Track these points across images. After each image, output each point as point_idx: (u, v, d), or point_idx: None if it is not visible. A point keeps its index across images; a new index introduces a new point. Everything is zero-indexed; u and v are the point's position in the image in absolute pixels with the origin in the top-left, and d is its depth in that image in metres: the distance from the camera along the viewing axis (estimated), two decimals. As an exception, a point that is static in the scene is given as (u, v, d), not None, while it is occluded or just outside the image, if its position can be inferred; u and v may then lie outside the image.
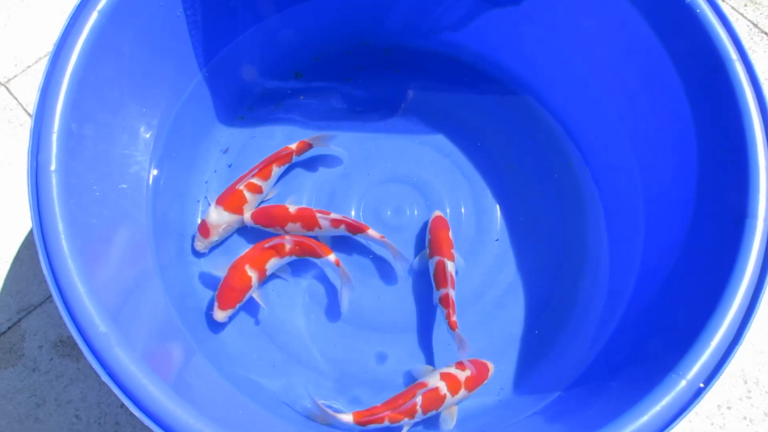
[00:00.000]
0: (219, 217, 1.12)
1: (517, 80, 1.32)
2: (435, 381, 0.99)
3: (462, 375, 1.01)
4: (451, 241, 1.14)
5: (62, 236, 0.76)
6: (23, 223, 1.29)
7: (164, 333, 0.92)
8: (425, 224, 1.21)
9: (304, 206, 1.16)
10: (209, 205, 1.15)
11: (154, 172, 1.10)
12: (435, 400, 0.97)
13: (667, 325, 0.91)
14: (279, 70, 1.31)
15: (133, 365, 0.71)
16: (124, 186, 0.98)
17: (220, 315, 1.05)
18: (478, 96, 1.34)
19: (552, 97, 1.29)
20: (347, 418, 0.94)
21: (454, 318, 1.06)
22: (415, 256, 1.19)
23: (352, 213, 1.23)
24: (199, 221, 1.18)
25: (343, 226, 1.13)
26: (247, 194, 1.15)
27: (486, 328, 1.16)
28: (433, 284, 1.11)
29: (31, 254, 1.26)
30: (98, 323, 0.73)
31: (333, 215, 1.13)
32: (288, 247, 1.09)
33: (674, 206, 1.05)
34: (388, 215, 1.23)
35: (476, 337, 1.13)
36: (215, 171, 1.24)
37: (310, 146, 1.22)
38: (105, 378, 0.71)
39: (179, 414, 0.70)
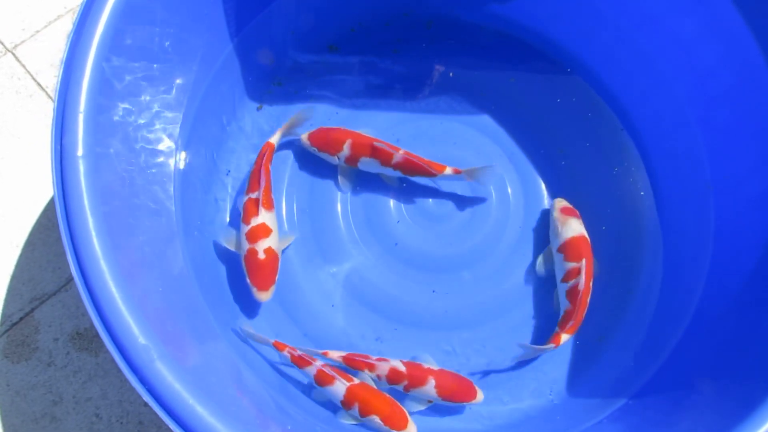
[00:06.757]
0: None
1: (570, 58, 1.21)
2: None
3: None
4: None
5: (93, 234, 0.66)
6: (35, 203, 1.19)
7: (204, 340, 0.83)
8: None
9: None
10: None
11: (182, 154, 0.99)
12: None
13: (759, 335, 0.83)
14: (312, 42, 1.20)
15: (178, 383, 0.62)
16: (153, 171, 0.88)
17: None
18: (527, 75, 1.23)
19: (610, 77, 1.18)
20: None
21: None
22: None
23: (391, 202, 1.14)
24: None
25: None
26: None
27: (534, 323, 1.09)
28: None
29: (44, 238, 1.16)
30: (137, 334, 0.64)
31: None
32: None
33: (754, 201, 0.96)
34: (429, 203, 1.15)
35: (524, 333, 1.08)
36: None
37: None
38: (146, 397, 0.62)
39: (232, 440, 0.62)
